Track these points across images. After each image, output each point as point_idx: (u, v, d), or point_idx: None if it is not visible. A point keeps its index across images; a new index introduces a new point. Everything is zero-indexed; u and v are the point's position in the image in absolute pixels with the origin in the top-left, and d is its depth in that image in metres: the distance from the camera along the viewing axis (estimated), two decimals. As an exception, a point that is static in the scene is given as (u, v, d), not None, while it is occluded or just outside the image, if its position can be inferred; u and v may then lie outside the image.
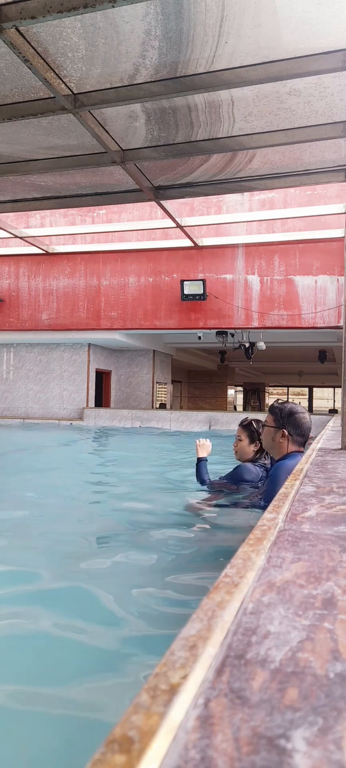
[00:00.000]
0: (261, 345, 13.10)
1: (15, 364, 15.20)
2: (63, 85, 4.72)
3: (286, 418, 3.08)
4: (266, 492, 3.06)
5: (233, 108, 5.10)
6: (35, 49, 4.24)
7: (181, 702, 0.50)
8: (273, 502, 1.48)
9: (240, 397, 33.07)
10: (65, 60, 4.41)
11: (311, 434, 3.24)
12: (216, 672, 0.57)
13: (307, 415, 3.15)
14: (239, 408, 31.46)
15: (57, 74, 4.58)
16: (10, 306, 13.31)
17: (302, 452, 3.12)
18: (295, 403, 3.25)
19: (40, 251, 12.57)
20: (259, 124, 5.42)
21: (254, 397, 31.27)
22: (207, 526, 3.28)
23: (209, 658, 0.59)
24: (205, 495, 3.85)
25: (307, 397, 31.84)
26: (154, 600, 1.99)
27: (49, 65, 4.45)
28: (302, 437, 3.09)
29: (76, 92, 4.86)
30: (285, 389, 34.11)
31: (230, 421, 12.47)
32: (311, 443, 3.83)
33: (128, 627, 1.76)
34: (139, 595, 2.05)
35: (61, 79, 4.65)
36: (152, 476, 5.67)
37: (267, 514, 1.32)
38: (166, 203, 8.17)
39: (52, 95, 4.84)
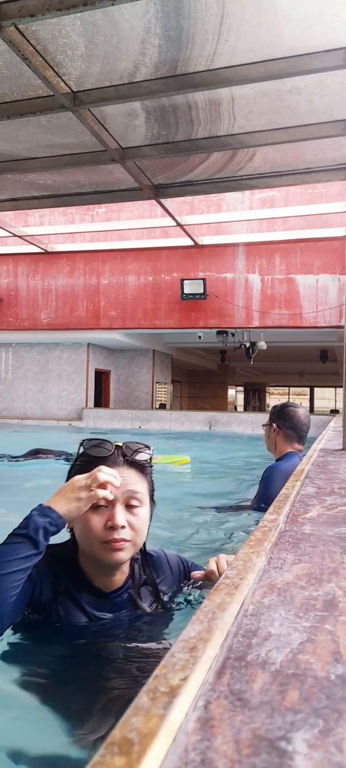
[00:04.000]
0: (262, 345, 13.11)
1: (14, 363, 15.20)
2: (62, 83, 4.71)
3: (276, 414, 3.15)
4: (260, 494, 3.07)
5: (233, 106, 5.09)
6: (34, 47, 4.23)
7: (181, 704, 0.50)
8: (274, 503, 1.48)
9: (241, 397, 33.09)
10: (65, 58, 4.40)
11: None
12: (216, 674, 0.57)
13: (300, 410, 3.17)
14: (240, 408, 31.46)
15: (56, 72, 4.57)
16: (8, 305, 13.31)
17: (300, 452, 3.13)
18: (292, 403, 3.30)
19: (39, 250, 12.57)
20: (259, 122, 5.41)
21: (254, 397, 31.28)
22: (204, 528, 3.28)
23: (209, 660, 0.58)
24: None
25: (308, 397, 31.84)
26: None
27: (48, 63, 4.44)
28: (293, 431, 3.12)
29: (75, 90, 4.86)
30: (286, 389, 34.12)
31: (230, 422, 12.46)
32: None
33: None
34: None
35: (60, 77, 4.64)
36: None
37: (268, 515, 1.31)
38: (166, 201, 8.16)
39: (52, 93, 4.83)
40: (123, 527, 1.36)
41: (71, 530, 1.46)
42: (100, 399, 15.64)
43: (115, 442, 1.43)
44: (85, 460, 1.44)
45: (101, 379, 15.72)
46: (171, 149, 5.98)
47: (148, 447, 1.50)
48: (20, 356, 15.12)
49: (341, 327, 10.89)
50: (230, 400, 26.72)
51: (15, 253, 12.95)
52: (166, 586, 1.60)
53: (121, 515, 1.37)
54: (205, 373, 23.24)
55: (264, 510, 1.44)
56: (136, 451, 1.47)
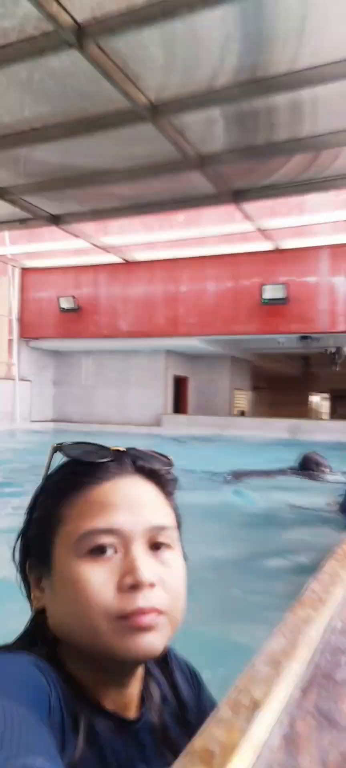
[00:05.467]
0: (347, 350, 12.66)
1: (94, 370, 15.65)
2: (142, 96, 4.81)
3: None
4: None
5: (316, 106, 4.97)
6: (115, 63, 4.34)
7: (264, 718, 0.48)
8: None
9: (326, 404, 32.02)
10: (144, 71, 4.48)
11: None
12: (302, 691, 0.55)
13: None
14: (325, 416, 30.48)
15: (136, 86, 4.67)
16: (89, 314, 13.72)
17: None
18: None
19: (119, 260, 12.86)
20: (344, 121, 5.24)
21: (341, 404, 30.17)
22: (279, 537, 3.20)
23: (293, 675, 0.56)
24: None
25: None
26: (224, 606, 1.96)
27: (128, 77, 4.54)
28: None
29: (154, 102, 4.94)
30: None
31: (314, 430, 11.99)
32: None
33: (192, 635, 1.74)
34: (208, 606, 2.02)
35: (140, 90, 4.73)
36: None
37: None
38: (246, 206, 8.09)
39: (132, 106, 4.94)
40: (152, 585, 0.70)
41: (39, 611, 0.78)
42: (179, 405, 15.75)
43: (113, 447, 0.80)
44: (70, 472, 0.78)
45: (180, 385, 15.84)
46: (250, 154, 5.93)
47: (167, 457, 0.85)
48: (101, 363, 15.55)
49: None
50: (314, 407, 25.98)
51: (95, 263, 13.34)
52: (190, 705, 0.85)
53: (146, 563, 0.71)
54: (287, 379, 22.76)
55: None
56: (153, 459, 0.82)
